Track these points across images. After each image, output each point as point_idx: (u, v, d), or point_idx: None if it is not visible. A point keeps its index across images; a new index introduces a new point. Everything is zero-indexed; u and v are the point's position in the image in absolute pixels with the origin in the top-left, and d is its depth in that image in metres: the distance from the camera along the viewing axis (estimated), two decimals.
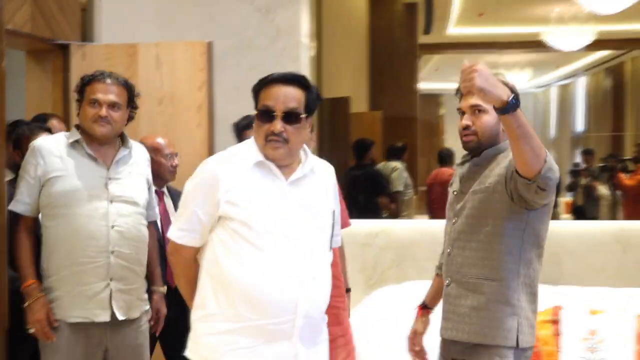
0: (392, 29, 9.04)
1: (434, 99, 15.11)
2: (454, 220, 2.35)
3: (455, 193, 2.38)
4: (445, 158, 7.53)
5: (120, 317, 2.54)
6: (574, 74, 17.95)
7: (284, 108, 2.05)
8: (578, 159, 8.23)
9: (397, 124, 8.25)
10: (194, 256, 2.18)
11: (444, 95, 17.40)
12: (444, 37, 11.66)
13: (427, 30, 10.43)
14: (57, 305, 2.51)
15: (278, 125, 2.04)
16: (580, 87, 18.19)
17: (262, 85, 2.11)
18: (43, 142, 2.61)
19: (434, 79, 13.93)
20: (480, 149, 2.32)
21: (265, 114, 2.07)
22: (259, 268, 2.04)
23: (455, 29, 11.43)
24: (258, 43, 4.58)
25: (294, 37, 4.66)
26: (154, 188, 2.90)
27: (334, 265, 2.60)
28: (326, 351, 2.24)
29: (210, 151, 3.69)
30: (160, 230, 3.09)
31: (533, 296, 2.28)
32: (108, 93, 2.54)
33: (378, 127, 7.82)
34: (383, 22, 9.00)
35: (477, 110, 2.30)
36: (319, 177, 2.21)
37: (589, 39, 10.35)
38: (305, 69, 4.68)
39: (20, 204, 2.54)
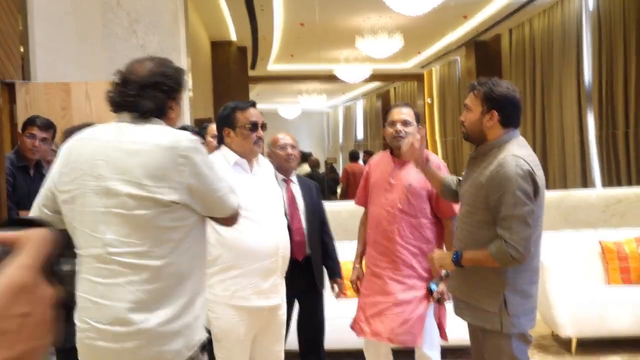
0: (229, 66, 9.69)
1: None
2: (460, 203, 2.30)
3: (460, 180, 2.31)
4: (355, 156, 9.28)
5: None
6: (355, 98, 19.93)
7: (261, 121, 2.44)
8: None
9: None
10: None
11: (263, 114, 18.04)
12: (265, 72, 12.59)
13: (253, 67, 11.20)
14: None
15: (261, 132, 2.42)
16: (360, 108, 20.08)
17: (241, 109, 2.42)
18: None
19: (257, 101, 14.56)
20: (469, 139, 2.23)
21: (255, 126, 2.40)
22: (250, 230, 2.30)
23: (273, 66, 12.44)
24: None
25: None
26: None
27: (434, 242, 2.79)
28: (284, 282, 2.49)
29: None
30: (289, 216, 2.92)
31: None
32: None
33: None
34: (222, 61, 9.65)
35: (465, 108, 2.22)
36: (266, 169, 2.54)
37: (366, 74, 11.73)
38: (186, 99, 5.06)
39: None
